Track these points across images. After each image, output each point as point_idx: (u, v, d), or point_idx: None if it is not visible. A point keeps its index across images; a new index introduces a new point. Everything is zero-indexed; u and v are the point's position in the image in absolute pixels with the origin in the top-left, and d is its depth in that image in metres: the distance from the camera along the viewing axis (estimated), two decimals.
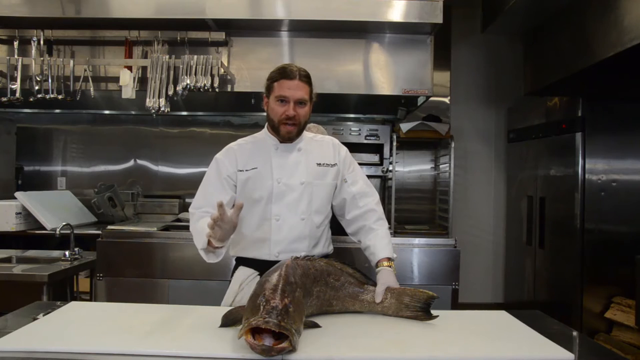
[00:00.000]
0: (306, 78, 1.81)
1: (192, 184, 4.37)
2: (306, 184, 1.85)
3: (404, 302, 1.59)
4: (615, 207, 3.72)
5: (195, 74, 3.25)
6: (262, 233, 1.86)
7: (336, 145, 1.96)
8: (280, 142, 1.86)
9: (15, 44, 3.35)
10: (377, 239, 1.86)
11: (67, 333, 1.39)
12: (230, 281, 1.93)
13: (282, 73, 1.79)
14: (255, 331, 1.22)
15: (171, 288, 2.81)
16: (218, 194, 1.82)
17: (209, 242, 1.62)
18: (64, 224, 2.86)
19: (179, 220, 4.15)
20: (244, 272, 1.89)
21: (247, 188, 1.86)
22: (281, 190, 1.84)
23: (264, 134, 1.92)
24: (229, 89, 3.42)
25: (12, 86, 3.30)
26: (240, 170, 1.86)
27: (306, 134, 1.93)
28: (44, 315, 1.55)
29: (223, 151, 1.91)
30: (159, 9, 3.22)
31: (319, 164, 1.89)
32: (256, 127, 4.43)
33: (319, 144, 1.94)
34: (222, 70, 3.30)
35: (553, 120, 4.09)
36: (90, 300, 3.08)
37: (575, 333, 1.60)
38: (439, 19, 3.16)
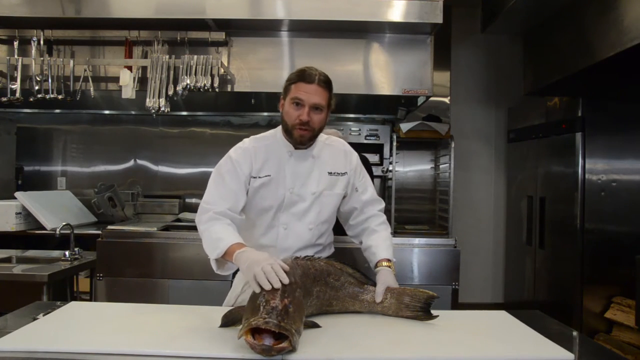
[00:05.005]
0: (325, 83, 1.74)
1: (192, 184, 4.43)
2: (317, 194, 1.83)
3: (404, 302, 1.59)
4: (615, 207, 3.72)
5: (195, 74, 3.25)
6: (269, 240, 1.84)
7: (347, 153, 1.92)
8: (295, 148, 1.81)
9: (15, 44, 3.35)
10: (379, 240, 1.86)
11: (67, 333, 1.39)
12: (231, 282, 1.93)
13: (301, 76, 1.73)
14: (255, 331, 1.22)
15: (171, 288, 2.81)
16: (237, 196, 1.76)
17: (223, 255, 1.59)
18: (64, 224, 2.85)
19: (179, 220, 4.14)
20: None
21: (259, 196, 1.81)
22: (292, 200, 1.81)
23: (278, 137, 1.84)
24: (229, 89, 3.42)
25: (12, 86, 3.29)
26: (254, 177, 1.79)
27: (319, 137, 1.86)
28: (44, 315, 1.54)
29: (239, 151, 1.81)
30: (159, 9, 3.21)
31: (330, 173, 1.85)
32: (256, 127, 4.43)
33: (331, 150, 1.89)
34: (222, 70, 3.30)
35: (553, 120, 4.09)
36: (90, 300, 3.08)
37: (575, 333, 1.61)
38: (439, 19, 3.15)
